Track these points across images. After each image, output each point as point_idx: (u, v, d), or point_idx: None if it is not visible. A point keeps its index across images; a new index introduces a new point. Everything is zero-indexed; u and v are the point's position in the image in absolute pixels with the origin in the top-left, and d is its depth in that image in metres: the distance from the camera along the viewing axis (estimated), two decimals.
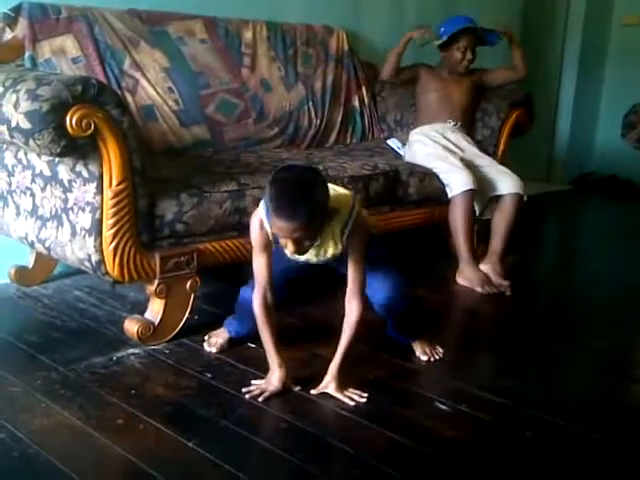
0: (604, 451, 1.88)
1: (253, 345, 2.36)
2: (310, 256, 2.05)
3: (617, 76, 5.85)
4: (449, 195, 3.14)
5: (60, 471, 1.66)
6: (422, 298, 2.87)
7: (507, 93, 3.46)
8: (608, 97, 5.95)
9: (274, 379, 2.06)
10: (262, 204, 2.03)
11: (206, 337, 2.39)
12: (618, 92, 5.79)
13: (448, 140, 3.31)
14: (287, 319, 2.61)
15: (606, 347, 2.56)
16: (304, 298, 2.76)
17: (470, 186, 3.08)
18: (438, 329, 2.53)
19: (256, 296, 2.06)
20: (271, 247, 2.06)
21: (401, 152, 3.40)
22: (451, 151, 3.25)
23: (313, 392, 2.08)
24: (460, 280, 3.15)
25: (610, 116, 5.79)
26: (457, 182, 3.10)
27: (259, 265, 2.06)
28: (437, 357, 2.36)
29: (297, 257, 2.03)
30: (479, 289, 3.05)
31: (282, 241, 1.91)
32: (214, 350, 2.33)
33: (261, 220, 2.01)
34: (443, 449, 1.84)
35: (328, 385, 2.08)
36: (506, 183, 3.17)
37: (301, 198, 1.82)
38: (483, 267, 3.17)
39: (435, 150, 3.24)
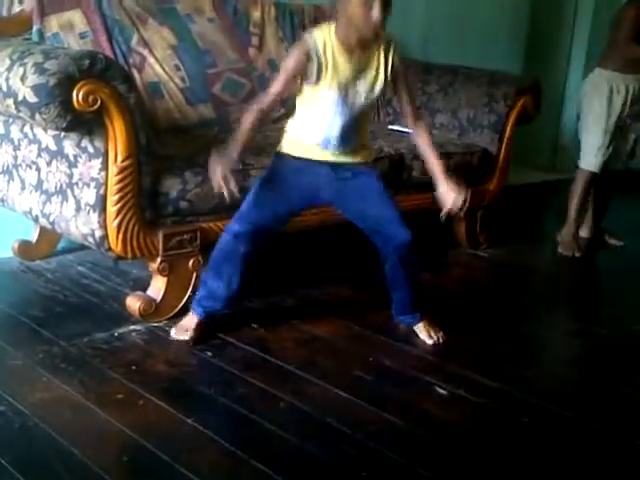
0: (600, 439, 1.90)
1: (255, 325, 2.38)
2: (360, 83, 2.12)
3: None
4: (579, 163, 3.54)
5: (59, 444, 1.68)
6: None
7: (515, 79, 3.44)
8: None
9: (219, 162, 2.06)
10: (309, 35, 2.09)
11: (172, 331, 2.27)
12: None
13: (624, 104, 3.48)
14: (287, 300, 2.63)
15: (608, 335, 2.57)
16: (304, 280, 2.77)
17: (596, 170, 3.49)
18: (438, 314, 2.53)
19: (257, 104, 2.13)
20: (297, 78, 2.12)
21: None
22: (614, 127, 3.48)
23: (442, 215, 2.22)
24: (557, 235, 3.59)
25: None
26: (591, 160, 3.48)
27: (278, 85, 2.11)
28: (440, 340, 2.37)
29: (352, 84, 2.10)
30: (560, 249, 3.51)
31: (365, 16, 1.98)
32: (186, 338, 2.22)
33: (308, 49, 2.05)
34: (440, 432, 1.86)
35: (447, 192, 2.20)
36: None
37: None
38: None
39: (607, 119, 3.46)
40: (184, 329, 2.26)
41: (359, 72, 2.11)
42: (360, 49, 2.08)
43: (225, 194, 2.05)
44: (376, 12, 1.98)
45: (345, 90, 2.10)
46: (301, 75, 2.10)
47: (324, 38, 2.07)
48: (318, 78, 2.07)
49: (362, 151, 2.24)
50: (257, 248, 2.19)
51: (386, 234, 2.21)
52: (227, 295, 2.23)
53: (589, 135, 3.51)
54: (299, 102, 2.18)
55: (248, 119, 2.11)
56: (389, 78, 2.14)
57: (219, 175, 2.04)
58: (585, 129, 3.55)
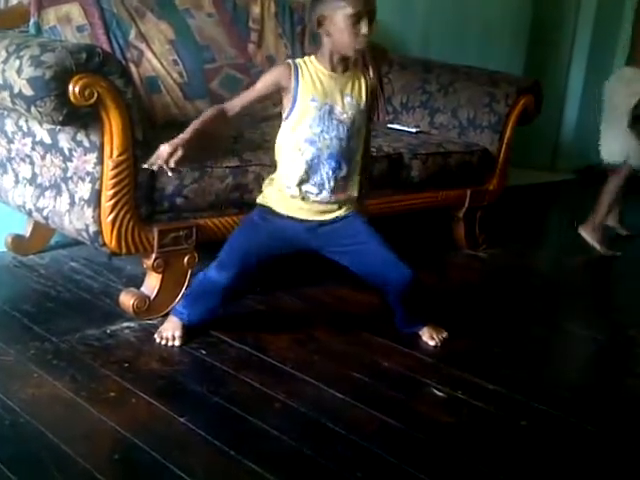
0: (598, 443, 1.88)
1: (251, 324, 2.36)
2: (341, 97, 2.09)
3: None
4: (608, 159, 3.54)
5: (50, 441, 1.66)
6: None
7: (515, 79, 3.43)
8: None
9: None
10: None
11: (156, 336, 2.20)
12: None
13: None
14: (285, 298, 2.60)
15: (605, 339, 2.55)
16: (304, 279, 2.75)
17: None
18: (436, 315, 2.51)
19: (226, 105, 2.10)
20: (268, 98, 2.15)
21: (412, 130, 3.37)
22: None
23: None
24: (582, 231, 3.49)
25: None
26: (634, 155, 3.41)
27: (248, 95, 2.11)
28: (443, 338, 2.35)
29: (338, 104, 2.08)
30: (592, 243, 3.44)
31: (352, 34, 1.98)
32: (177, 343, 2.17)
33: (288, 72, 2.05)
34: (437, 435, 1.84)
35: None
36: None
37: None
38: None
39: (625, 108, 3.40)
40: (170, 335, 2.19)
41: (342, 88, 2.09)
42: (342, 68, 2.09)
43: (157, 166, 1.98)
44: (364, 29, 1.98)
45: (330, 104, 2.08)
46: (280, 110, 2.12)
47: (303, 61, 2.08)
48: (295, 100, 2.06)
49: (351, 205, 2.18)
50: (239, 288, 2.20)
51: (384, 276, 2.18)
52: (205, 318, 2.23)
53: (627, 133, 3.42)
54: (281, 149, 2.13)
55: (209, 113, 2.09)
56: (369, 97, 2.14)
57: (167, 147, 1.97)
58: (618, 126, 3.46)
